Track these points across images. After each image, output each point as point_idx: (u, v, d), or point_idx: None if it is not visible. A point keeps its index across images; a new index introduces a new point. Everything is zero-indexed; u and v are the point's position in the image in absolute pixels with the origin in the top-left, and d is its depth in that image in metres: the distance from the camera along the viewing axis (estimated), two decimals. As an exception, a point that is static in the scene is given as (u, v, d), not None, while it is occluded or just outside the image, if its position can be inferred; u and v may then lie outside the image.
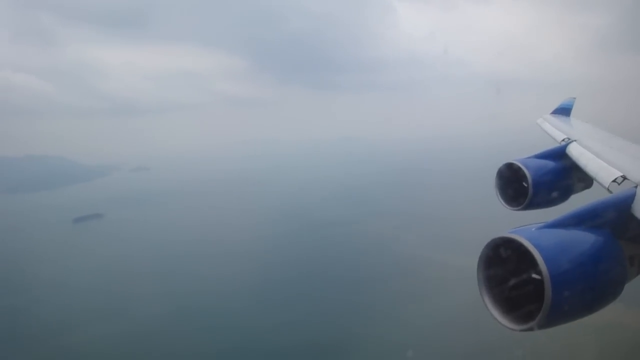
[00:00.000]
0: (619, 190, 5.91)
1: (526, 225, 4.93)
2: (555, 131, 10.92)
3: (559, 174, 8.85)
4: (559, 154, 9.09)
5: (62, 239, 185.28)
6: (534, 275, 4.41)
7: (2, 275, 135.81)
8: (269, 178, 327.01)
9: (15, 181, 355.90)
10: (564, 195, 8.92)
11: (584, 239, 4.76)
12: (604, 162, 7.32)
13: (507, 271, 4.75)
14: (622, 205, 5.11)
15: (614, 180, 6.30)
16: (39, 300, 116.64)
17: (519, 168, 8.71)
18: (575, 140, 9.19)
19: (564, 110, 13.23)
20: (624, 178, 6.17)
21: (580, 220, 4.90)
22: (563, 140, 9.69)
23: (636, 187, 5.40)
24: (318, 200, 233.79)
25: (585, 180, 8.65)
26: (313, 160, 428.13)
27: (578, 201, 5.77)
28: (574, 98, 13.61)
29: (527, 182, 8.53)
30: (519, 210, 8.74)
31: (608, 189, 6.28)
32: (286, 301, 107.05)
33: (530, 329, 4.42)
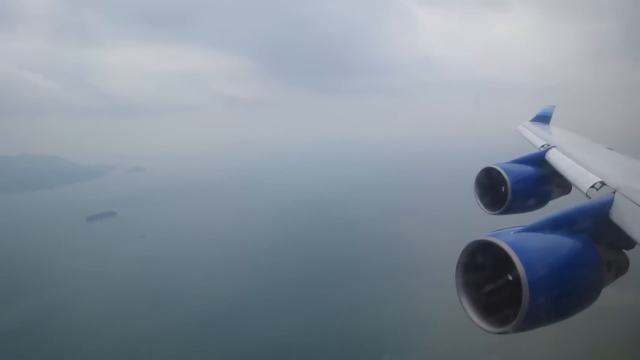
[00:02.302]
0: (597, 196, 5.88)
1: (505, 229, 4.89)
2: (534, 137, 10.94)
3: (538, 180, 8.79)
4: (539, 160, 9.05)
5: (81, 237, 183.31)
6: (512, 279, 4.39)
7: (33, 271, 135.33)
8: (275, 178, 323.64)
9: (12, 180, 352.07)
10: (543, 201, 8.87)
11: (562, 243, 4.76)
12: (582, 168, 7.32)
13: (485, 274, 4.73)
14: (600, 211, 5.12)
15: (593, 186, 6.29)
16: (79, 294, 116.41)
17: (499, 173, 8.61)
18: (554, 147, 9.17)
19: (543, 118, 13.29)
20: (602, 184, 6.17)
21: (558, 224, 4.90)
22: (542, 146, 9.67)
23: (614, 192, 5.40)
24: (330, 199, 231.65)
25: (564, 186, 8.63)
26: (312, 161, 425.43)
27: (557, 207, 5.71)
28: (554, 106, 13.66)
29: (506, 186, 8.43)
30: (497, 214, 8.65)
31: (587, 195, 6.26)
32: (315, 298, 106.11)
33: (506, 332, 4.39)
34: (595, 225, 5.04)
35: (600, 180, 6.33)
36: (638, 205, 4.96)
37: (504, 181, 8.47)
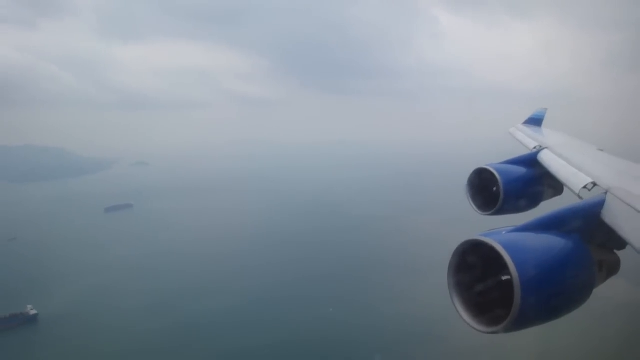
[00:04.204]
0: (589, 197, 5.84)
1: (497, 229, 4.86)
2: (527, 139, 10.83)
3: (531, 180, 8.67)
4: (531, 161, 8.93)
5: (105, 227, 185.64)
6: (504, 279, 4.35)
7: (68, 260, 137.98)
8: (285, 177, 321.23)
9: (16, 171, 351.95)
10: (535, 201, 8.74)
11: (554, 243, 4.72)
12: (574, 168, 7.26)
13: (477, 274, 4.68)
14: (592, 211, 5.09)
15: (585, 187, 6.24)
16: (118, 281, 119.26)
17: (491, 173, 8.49)
18: (546, 148, 9.10)
19: (535, 121, 13.14)
20: (594, 184, 6.12)
21: (550, 225, 4.86)
22: (535, 147, 9.58)
23: (606, 193, 5.37)
24: (344, 199, 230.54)
25: (556, 187, 8.53)
26: (320, 161, 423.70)
27: (549, 207, 5.64)
28: (546, 109, 13.51)
29: (498, 187, 8.30)
30: (489, 215, 8.51)
31: (579, 195, 6.21)
32: (354, 292, 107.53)
33: (497, 332, 4.36)
34: (587, 225, 5.00)
35: (592, 181, 6.28)
36: (630, 206, 4.92)
37: (496, 182, 8.35)
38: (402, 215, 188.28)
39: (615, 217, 4.90)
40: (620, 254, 5.30)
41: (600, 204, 5.18)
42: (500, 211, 8.41)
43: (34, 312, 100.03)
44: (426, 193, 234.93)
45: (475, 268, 4.66)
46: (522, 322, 4.25)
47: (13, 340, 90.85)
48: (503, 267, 4.25)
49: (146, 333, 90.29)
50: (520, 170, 8.79)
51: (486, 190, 8.67)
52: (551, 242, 4.73)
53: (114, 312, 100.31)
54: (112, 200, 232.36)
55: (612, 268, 5.23)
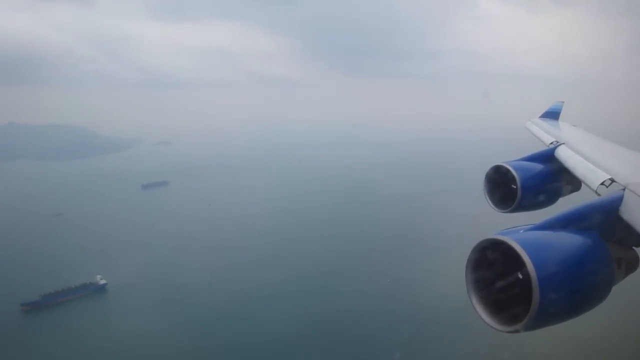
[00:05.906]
0: (607, 193, 5.79)
1: (514, 227, 4.87)
2: (543, 134, 10.69)
3: (548, 177, 8.59)
4: (548, 157, 8.84)
5: (143, 203, 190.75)
6: (522, 277, 4.34)
7: (124, 232, 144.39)
8: (312, 157, 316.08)
9: (41, 149, 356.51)
10: (553, 198, 8.66)
11: (572, 241, 4.70)
12: (592, 164, 7.19)
13: (495, 273, 4.67)
14: (610, 208, 5.06)
15: (602, 183, 6.20)
16: (171, 255, 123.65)
17: (508, 170, 8.43)
18: (563, 143, 8.98)
19: (552, 114, 12.97)
20: (612, 181, 6.07)
21: (568, 222, 4.84)
22: (551, 143, 9.45)
23: (624, 189, 5.33)
24: (373, 178, 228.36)
25: (573, 183, 8.44)
26: (343, 142, 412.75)
27: (566, 204, 5.67)
28: (563, 102, 13.33)
29: (516, 184, 8.25)
30: (507, 212, 8.49)
31: (596, 192, 6.16)
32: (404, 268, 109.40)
33: (517, 331, 4.34)
34: (605, 222, 4.96)
35: (609, 177, 6.23)
36: None
37: (513, 179, 8.30)
38: (433, 194, 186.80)
39: (633, 213, 4.86)
40: (639, 250, 5.25)
41: (618, 201, 5.14)
42: (518, 208, 8.38)
43: (103, 281, 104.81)
44: (457, 173, 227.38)
45: (494, 266, 4.66)
46: (541, 320, 4.25)
47: (86, 307, 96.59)
48: (522, 266, 4.26)
49: (206, 304, 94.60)
50: (538, 167, 8.72)
51: (504, 187, 8.61)
52: (569, 239, 4.72)
53: (175, 285, 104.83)
54: (147, 177, 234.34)
55: (631, 265, 5.18)
